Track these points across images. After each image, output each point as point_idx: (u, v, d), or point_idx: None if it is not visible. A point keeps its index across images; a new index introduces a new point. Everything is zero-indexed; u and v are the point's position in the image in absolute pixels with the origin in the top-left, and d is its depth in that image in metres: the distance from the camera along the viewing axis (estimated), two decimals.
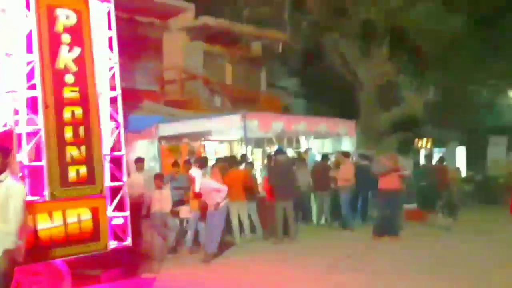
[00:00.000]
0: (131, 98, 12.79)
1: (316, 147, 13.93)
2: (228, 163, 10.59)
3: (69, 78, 6.34)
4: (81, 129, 6.33)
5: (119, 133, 6.78)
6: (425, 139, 21.14)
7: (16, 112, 6.04)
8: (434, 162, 14.14)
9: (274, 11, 18.39)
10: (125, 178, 6.74)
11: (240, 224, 10.11)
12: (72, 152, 6.24)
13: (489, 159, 19.41)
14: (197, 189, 8.62)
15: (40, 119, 6.05)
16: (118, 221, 6.63)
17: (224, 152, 13.29)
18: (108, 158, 6.63)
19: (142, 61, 15.64)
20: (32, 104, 6.10)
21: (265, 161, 12.03)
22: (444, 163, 13.85)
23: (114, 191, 6.63)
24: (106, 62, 6.78)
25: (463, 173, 18.14)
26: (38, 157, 6.09)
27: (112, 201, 6.59)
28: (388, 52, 17.66)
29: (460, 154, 21.46)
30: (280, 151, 11.04)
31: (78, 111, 6.36)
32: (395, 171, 10.01)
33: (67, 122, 6.26)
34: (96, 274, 6.98)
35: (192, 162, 9.88)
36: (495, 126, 20.42)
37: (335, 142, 14.04)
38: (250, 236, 10.22)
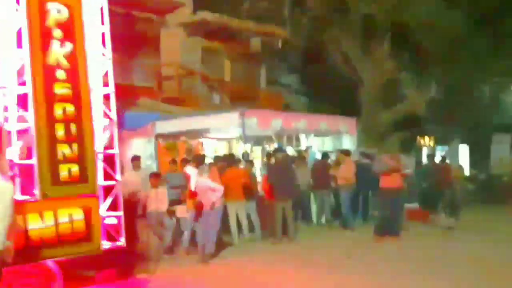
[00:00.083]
0: (128, 95, 12.67)
1: (316, 145, 13.75)
2: (226, 162, 10.44)
3: (61, 74, 6.24)
4: (73, 127, 6.23)
5: (112, 130, 6.63)
6: (427, 137, 20.97)
7: (6, 109, 5.92)
8: (436, 160, 13.95)
9: (274, 7, 18.21)
10: (118, 177, 6.58)
11: (239, 224, 9.94)
12: (64, 150, 6.15)
13: (493, 158, 19.26)
14: (192, 188, 8.46)
15: (30, 116, 5.93)
16: (112, 221, 6.49)
17: (223, 150, 13.14)
18: (101, 156, 6.49)
19: (139, 57, 15.49)
20: (22, 101, 5.97)
21: (265, 160, 11.86)
22: (447, 162, 13.70)
23: (107, 190, 6.51)
24: (99, 58, 6.63)
25: (466, 172, 17.94)
26: (28, 155, 5.97)
27: (105, 200, 6.45)
28: (389, 49, 17.47)
29: (463, 152, 21.30)
30: (279, 149, 10.88)
31: (70, 108, 6.26)
32: (397, 171, 9.85)
33: (59, 119, 6.16)
34: (90, 275, 6.86)
35: (190, 160, 9.71)
36: (499, 124, 20.27)
37: (336, 140, 13.87)
38: (248, 236, 10.05)
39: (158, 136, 11.87)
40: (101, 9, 6.66)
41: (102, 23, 6.68)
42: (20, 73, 5.97)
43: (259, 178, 11.22)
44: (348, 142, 13.51)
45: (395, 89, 18.23)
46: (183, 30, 16.53)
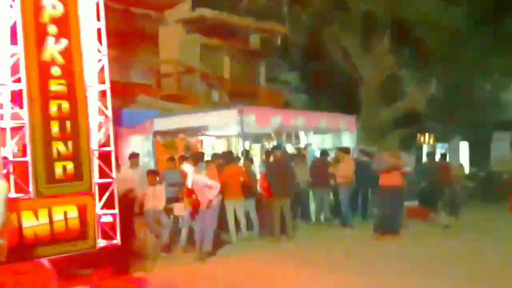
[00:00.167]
0: (126, 92, 12.62)
1: (316, 143, 13.68)
2: (225, 159, 10.36)
3: (56, 71, 6.16)
4: (68, 124, 6.15)
5: (108, 127, 6.55)
6: (427, 135, 20.87)
7: (0, 106, 5.84)
8: (436, 158, 13.87)
9: (273, 3, 18.10)
10: (114, 175, 6.51)
11: (237, 222, 9.86)
12: (59, 147, 6.08)
13: (493, 155, 19.17)
14: (189, 185, 8.38)
15: (25, 113, 5.85)
16: (107, 218, 6.42)
17: (222, 147, 13.07)
18: (96, 153, 6.41)
19: (137, 54, 15.41)
20: (17, 98, 5.89)
21: (263, 157, 11.79)
22: (447, 160, 13.61)
23: (103, 187, 6.42)
24: (95, 54, 6.55)
25: (467, 170, 17.86)
26: (23, 153, 5.90)
27: (100, 198, 6.38)
28: (389, 46, 17.37)
29: (464, 150, 21.21)
30: (277, 147, 10.80)
31: (65, 105, 6.18)
32: (397, 168, 9.78)
33: (53, 116, 6.08)
34: (87, 273, 6.81)
35: (187, 157, 9.64)
36: (499, 122, 20.16)
37: (336, 138, 13.79)
38: (246, 234, 9.98)
39: (156, 133, 11.80)
40: (97, 4, 6.57)
41: (98, 19, 6.59)
42: (15, 69, 5.89)
43: (258, 176, 11.16)
44: (348, 140, 13.43)
45: (395, 87, 18.14)
46: (182, 26, 16.45)
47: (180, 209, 9.10)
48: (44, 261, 5.90)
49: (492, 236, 9.87)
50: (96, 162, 6.40)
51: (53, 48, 6.13)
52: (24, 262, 5.73)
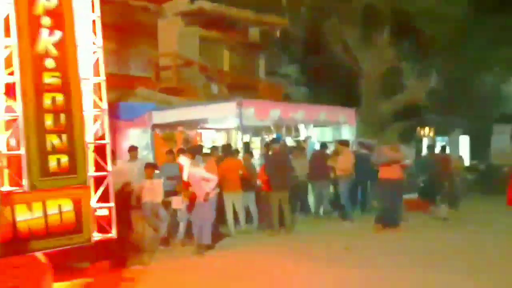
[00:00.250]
0: (125, 85, 12.54)
1: (315, 136, 13.62)
2: (223, 152, 10.31)
3: (50, 63, 6.05)
4: (62, 117, 6.04)
5: (103, 120, 6.48)
6: (427, 128, 20.78)
7: None
8: (436, 151, 13.81)
9: None
10: (110, 168, 6.45)
11: (236, 215, 9.82)
12: (53, 140, 5.98)
13: (493, 148, 19.10)
14: (185, 178, 8.33)
15: (18, 106, 5.78)
16: (103, 212, 6.35)
17: (221, 140, 13.02)
18: (91, 146, 6.34)
19: (136, 47, 15.32)
20: (10, 90, 5.82)
21: (263, 150, 11.73)
22: (447, 152, 13.55)
23: (98, 181, 6.35)
24: (89, 46, 6.46)
25: (467, 162, 17.80)
26: (17, 146, 5.82)
27: (96, 191, 6.31)
28: (389, 38, 17.24)
29: (464, 142, 21.15)
30: (276, 140, 10.73)
31: (59, 97, 6.07)
32: (397, 161, 9.73)
33: (48, 109, 5.98)
34: (83, 267, 6.80)
35: (185, 150, 9.59)
36: (500, 114, 20.07)
37: (335, 130, 13.74)
38: (245, 227, 9.94)
39: (154, 126, 11.74)
40: None
41: (93, 11, 6.50)
42: (8, 62, 5.81)
43: (258, 169, 11.10)
44: (348, 133, 13.39)
45: (395, 79, 18.02)
46: (181, 19, 16.35)
47: (178, 202, 9.04)
48: (39, 255, 5.85)
49: (492, 229, 9.85)
50: (91, 155, 6.33)
51: (47, 40, 6.02)
52: (18, 256, 5.68)
